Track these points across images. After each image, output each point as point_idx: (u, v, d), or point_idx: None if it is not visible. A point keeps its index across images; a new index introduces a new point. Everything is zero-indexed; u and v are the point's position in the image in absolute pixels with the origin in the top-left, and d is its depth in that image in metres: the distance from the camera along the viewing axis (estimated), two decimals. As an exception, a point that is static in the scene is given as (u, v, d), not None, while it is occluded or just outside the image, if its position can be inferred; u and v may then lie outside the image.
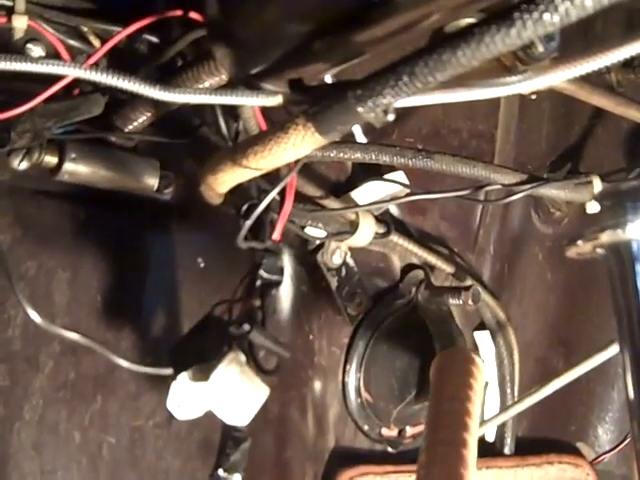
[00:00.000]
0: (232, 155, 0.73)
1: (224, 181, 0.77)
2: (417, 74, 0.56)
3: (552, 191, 1.09)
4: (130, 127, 0.95)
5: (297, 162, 0.78)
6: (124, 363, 0.89)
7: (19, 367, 0.93)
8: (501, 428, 1.40)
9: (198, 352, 0.87)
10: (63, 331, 0.85)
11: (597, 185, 1.05)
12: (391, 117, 0.63)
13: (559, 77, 0.58)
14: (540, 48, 0.77)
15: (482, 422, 1.34)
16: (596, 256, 0.90)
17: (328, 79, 0.94)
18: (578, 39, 1.35)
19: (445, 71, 0.55)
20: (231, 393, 0.81)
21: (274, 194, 0.79)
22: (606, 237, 0.87)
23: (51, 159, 0.89)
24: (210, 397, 0.81)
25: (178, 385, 0.82)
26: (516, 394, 1.40)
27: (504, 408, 1.34)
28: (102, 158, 0.92)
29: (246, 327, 0.76)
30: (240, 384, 0.81)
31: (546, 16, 0.49)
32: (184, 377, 0.82)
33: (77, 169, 0.90)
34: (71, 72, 0.70)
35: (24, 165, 0.88)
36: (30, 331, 0.91)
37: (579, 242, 0.89)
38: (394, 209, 1.27)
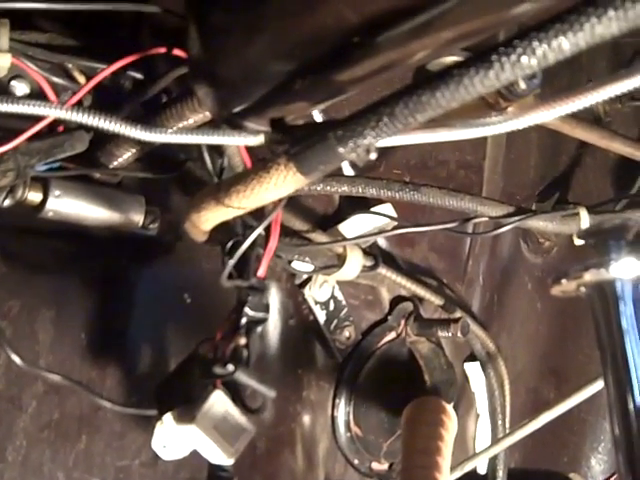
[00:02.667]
0: (215, 194, 0.73)
1: (208, 219, 0.77)
2: (397, 115, 0.56)
3: (540, 223, 1.09)
4: (115, 163, 0.95)
5: (281, 199, 0.77)
6: (108, 405, 0.88)
7: (2, 407, 0.91)
8: (493, 461, 1.38)
9: (183, 390, 0.86)
10: (46, 372, 0.84)
11: (584, 217, 1.06)
12: (373, 156, 0.63)
13: (543, 117, 0.58)
14: (522, 85, 0.77)
15: (474, 455, 1.33)
16: (580, 294, 0.90)
17: (316, 114, 0.95)
18: (563, 69, 1.37)
19: (425, 112, 0.55)
20: (215, 432, 0.80)
21: (258, 232, 0.79)
22: (590, 276, 0.87)
23: (35, 196, 0.89)
24: (195, 437, 0.80)
25: (163, 426, 0.81)
26: (507, 425, 1.39)
27: (496, 440, 1.33)
28: (87, 195, 0.92)
29: (230, 367, 0.75)
30: (224, 423, 0.80)
31: (524, 59, 0.49)
32: (169, 418, 0.80)
33: (61, 206, 0.90)
34: (52, 113, 0.70)
35: (7, 203, 0.88)
36: (13, 371, 0.90)
37: (563, 281, 0.89)
38: (382, 241, 1.26)
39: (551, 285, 0.91)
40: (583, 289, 0.88)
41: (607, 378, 0.86)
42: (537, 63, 0.49)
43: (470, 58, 0.52)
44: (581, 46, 0.47)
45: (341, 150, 0.60)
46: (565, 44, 0.47)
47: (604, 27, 0.46)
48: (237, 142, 0.68)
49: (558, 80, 1.31)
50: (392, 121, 0.56)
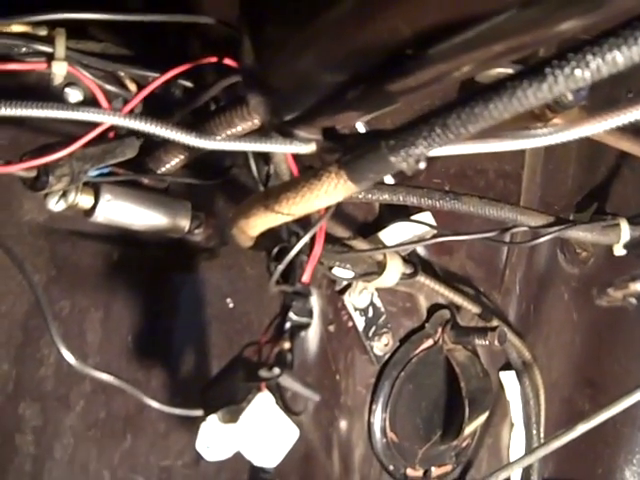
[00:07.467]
0: (264, 200, 0.75)
1: (256, 225, 0.79)
2: (449, 126, 0.57)
3: (579, 233, 1.10)
4: (163, 169, 0.97)
5: (329, 207, 0.78)
6: (154, 404, 0.89)
7: (51, 406, 0.94)
8: (527, 470, 1.39)
9: (228, 392, 0.87)
10: (95, 372, 0.86)
11: (625, 228, 1.06)
12: (423, 165, 0.64)
13: (591, 129, 0.59)
14: (569, 97, 0.78)
15: (508, 464, 1.33)
16: (627, 305, 0.90)
17: (360, 126, 0.96)
18: (603, 80, 1.36)
19: (477, 123, 0.56)
20: (260, 435, 0.81)
21: (307, 239, 0.80)
22: (636, 286, 0.87)
23: (86, 201, 0.91)
24: (239, 439, 0.81)
25: (207, 427, 0.82)
26: (542, 435, 1.39)
27: (530, 450, 1.33)
28: (135, 200, 0.94)
29: (276, 371, 0.76)
30: (269, 426, 0.81)
31: (577, 72, 0.50)
32: (213, 419, 0.82)
33: (111, 211, 0.92)
34: (109, 120, 0.72)
35: (60, 207, 0.90)
36: (62, 370, 0.92)
37: (609, 290, 0.90)
38: (421, 249, 1.27)
39: (596, 294, 0.91)
40: (630, 300, 0.88)
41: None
42: (590, 76, 0.50)
43: (523, 71, 0.53)
44: (635, 60, 0.48)
45: (392, 159, 0.61)
46: (619, 58, 0.48)
47: (659, 42, 0.47)
48: (290, 150, 0.70)
49: (598, 90, 1.31)
50: (444, 131, 0.57)
